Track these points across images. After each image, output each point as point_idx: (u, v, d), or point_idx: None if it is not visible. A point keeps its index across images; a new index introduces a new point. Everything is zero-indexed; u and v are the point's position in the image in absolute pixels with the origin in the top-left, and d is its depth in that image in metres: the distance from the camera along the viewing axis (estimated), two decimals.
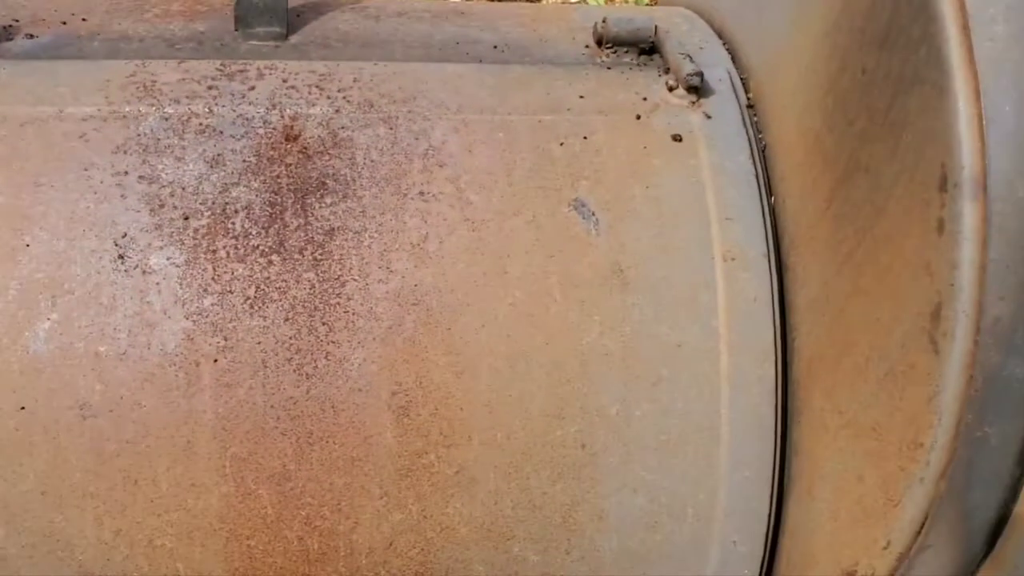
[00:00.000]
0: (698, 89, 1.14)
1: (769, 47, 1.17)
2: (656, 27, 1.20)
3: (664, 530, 1.08)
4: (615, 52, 1.21)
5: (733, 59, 1.24)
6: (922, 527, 0.87)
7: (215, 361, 0.98)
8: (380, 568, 1.04)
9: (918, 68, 0.84)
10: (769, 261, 1.08)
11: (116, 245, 0.99)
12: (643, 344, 1.05)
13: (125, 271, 0.98)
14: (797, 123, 1.07)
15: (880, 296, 0.91)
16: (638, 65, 1.20)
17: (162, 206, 1.00)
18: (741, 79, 1.22)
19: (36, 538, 0.98)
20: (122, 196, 1.00)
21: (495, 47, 1.22)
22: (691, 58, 1.16)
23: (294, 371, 1.00)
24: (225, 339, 0.99)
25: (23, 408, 0.96)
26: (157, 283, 0.98)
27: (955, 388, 0.81)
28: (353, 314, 1.01)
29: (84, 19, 1.18)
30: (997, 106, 0.79)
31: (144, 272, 0.98)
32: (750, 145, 1.13)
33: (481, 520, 1.04)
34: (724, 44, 1.27)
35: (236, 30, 1.17)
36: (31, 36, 1.14)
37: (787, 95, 1.10)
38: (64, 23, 1.17)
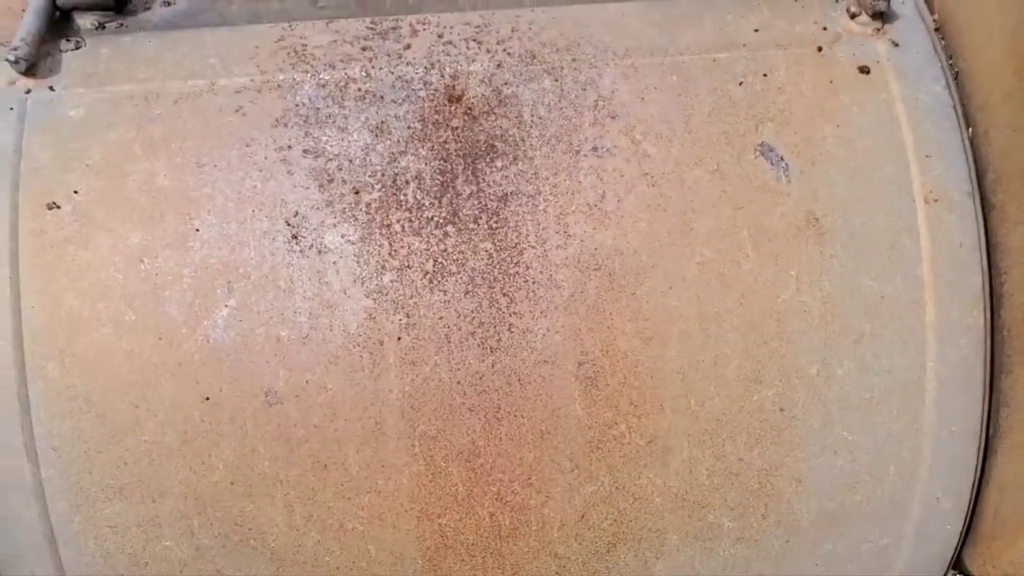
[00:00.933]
0: (883, 14, 1.05)
1: None
2: None
3: (865, 490, 1.02)
4: None
5: None
6: None
7: (399, 339, 0.94)
8: (572, 541, 1.00)
9: None
10: (974, 200, 1.00)
11: (288, 225, 0.94)
12: (843, 298, 0.98)
13: (300, 252, 0.94)
14: (1006, 46, 0.97)
15: None
16: None
17: (331, 181, 0.96)
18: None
19: (228, 527, 0.96)
20: (288, 172, 0.96)
21: None
22: None
23: (478, 345, 0.95)
24: (407, 316, 0.94)
25: (208, 399, 0.93)
26: (334, 262, 0.94)
27: None
28: (533, 283, 0.95)
29: None
30: None
31: (320, 252, 0.94)
32: (944, 74, 1.03)
33: (675, 489, 0.99)
34: None
35: None
36: (168, 3, 1.09)
37: (988, 15, 1.00)
38: None
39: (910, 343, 0.99)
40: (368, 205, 0.95)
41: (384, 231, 0.95)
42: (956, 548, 1.08)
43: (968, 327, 0.99)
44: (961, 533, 1.07)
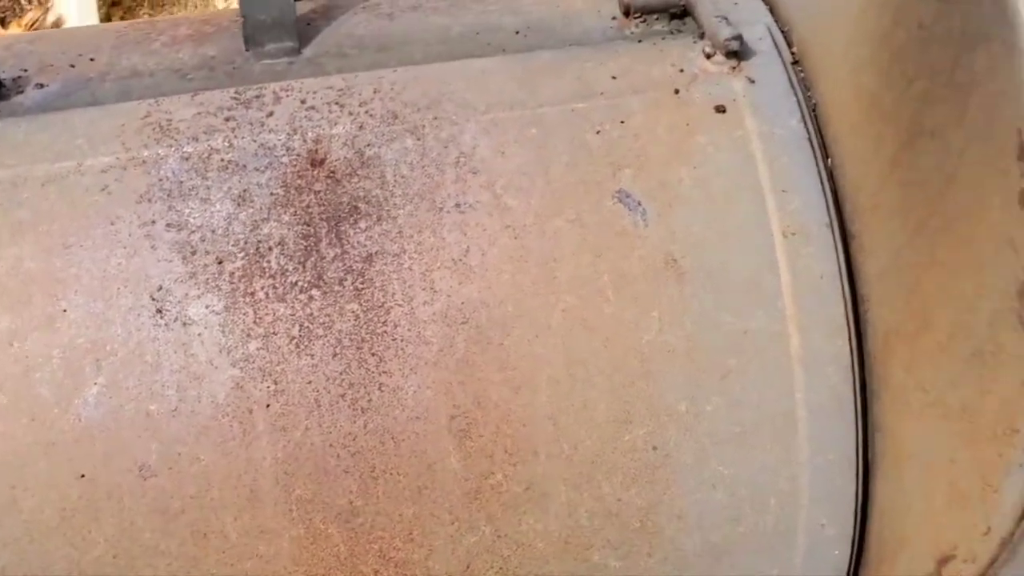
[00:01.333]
0: (738, 53, 1.07)
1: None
2: None
3: (748, 522, 1.03)
4: (644, 21, 1.13)
5: (772, 11, 1.16)
6: None
7: (268, 406, 0.96)
8: None
9: (983, 24, 0.76)
10: (833, 231, 1.02)
11: (153, 300, 0.96)
12: (707, 336, 0.99)
13: (165, 325, 0.96)
14: (851, 81, 0.99)
15: (960, 269, 0.84)
16: (671, 33, 1.12)
17: (194, 253, 0.97)
18: (783, 32, 1.13)
19: None
20: (152, 247, 0.98)
21: (517, 32, 1.15)
22: (727, 19, 1.08)
23: (349, 406, 0.97)
24: (275, 382, 0.96)
25: (83, 476, 0.95)
26: (199, 334, 0.96)
27: None
28: (402, 341, 0.97)
29: (92, 59, 1.14)
30: None
31: (184, 324, 0.96)
32: (800, 107, 1.06)
33: (557, 533, 1.01)
34: None
35: (247, 50, 1.12)
36: (41, 85, 1.11)
37: (836, 50, 1.02)
38: (72, 66, 1.13)
39: (777, 375, 1.00)
40: (231, 274, 0.97)
41: (248, 299, 0.97)
42: (848, 574, 1.09)
43: (834, 356, 1.01)
44: (851, 559, 1.08)
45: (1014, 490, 0.81)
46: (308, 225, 0.99)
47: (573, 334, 0.99)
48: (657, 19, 1.13)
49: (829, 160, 1.05)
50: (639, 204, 1.01)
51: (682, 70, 1.08)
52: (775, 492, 1.03)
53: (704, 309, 1.00)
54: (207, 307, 0.96)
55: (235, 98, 1.06)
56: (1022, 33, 0.72)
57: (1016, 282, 0.76)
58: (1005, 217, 0.76)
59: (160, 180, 1.00)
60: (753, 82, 1.07)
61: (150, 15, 3.53)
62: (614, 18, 1.16)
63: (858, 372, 1.02)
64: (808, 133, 1.04)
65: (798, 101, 1.06)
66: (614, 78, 1.07)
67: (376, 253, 0.98)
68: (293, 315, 0.97)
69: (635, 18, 1.14)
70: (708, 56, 1.07)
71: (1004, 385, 0.79)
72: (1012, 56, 0.73)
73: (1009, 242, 0.76)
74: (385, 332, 0.97)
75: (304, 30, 1.16)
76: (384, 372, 0.97)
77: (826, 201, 1.02)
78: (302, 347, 0.97)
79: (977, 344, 0.82)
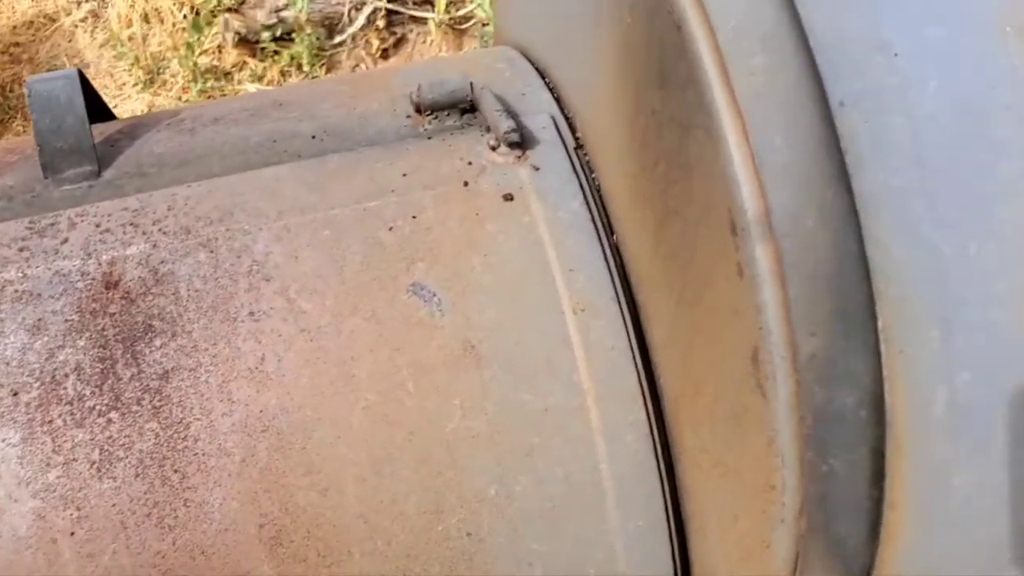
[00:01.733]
0: (520, 143, 1.12)
1: (582, 85, 1.14)
2: (472, 84, 1.18)
3: None
4: (436, 118, 1.18)
5: (559, 100, 1.22)
6: (796, 566, 0.85)
7: (72, 534, 0.96)
8: None
9: (689, 111, 0.82)
10: (620, 304, 1.06)
11: None
12: (509, 417, 1.02)
13: None
14: (617, 164, 1.05)
15: (712, 337, 0.89)
16: (460, 128, 1.17)
17: None
18: (569, 118, 1.19)
19: None
20: None
21: (314, 137, 1.19)
22: (508, 112, 1.13)
23: (156, 525, 0.97)
24: (78, 509, 0.96)
25: None
26: None
27: (789, 430, 0.79)
28: (203, 455, 0.98)
29: None
30: (768, 141, 0.76)
31: None
32: (582, 189, 1.11)
33: None
34: (548, 83, 1.24)
35: (46, 177, 1.14)
36: None
37: (605, 135, 1.08)
38: None
39: (580, 448, 1.04)
40: (27, 405, 0.97)
41: (46, 428, 0.97)
42: None
43: (632, 424, 1.05)
44: None
45: (782, 545, 0.85)
46: (104, 348, 1.00)
47: (376, 431, 1.01)
48: (448, 115, 1.18)
49: (615, 236, 1.10)
50: (434, 295, 1.05)
51: (470, 163, 1.12)
52: (592, 562, 1.05)
53: (504, 391, 1.03)
54: (3, 440, 0.96)
55: (29, 227, 1.07)
56: (719, 120, 0.78)
57: (748, 347, 0.80)
58: (730, 288, 0.81)
59: None
60: (538, 169, 1.12)
61: (24, 128, 3.52)
62: (408, 116, 1.21)
63: (658, 437, 1.05)
64: (591, 214, 1.09)
65: (580, 184, 1.11)
66: (405, 175, 1.11)
67: (172, 369, 1.00)
68: (92, 439, 0.97)
69: (427, 115, 1.18)
70: (493, 148, 1.12)
71: (756, 445, 0.83)
72: (713, 142, 0.78)
73: (736, 311, 0.80)
74: (186, 447, 0.98)
75: (106, 152, 1.18)
76: (188, 487, 0.98)
77: (611, 276, 1.07)
78: (103, 471, 0.97)
79: (732, 407, 0.86)
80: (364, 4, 3.69)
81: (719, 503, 0.97)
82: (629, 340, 1.06)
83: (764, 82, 0.77)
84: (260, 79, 3.60)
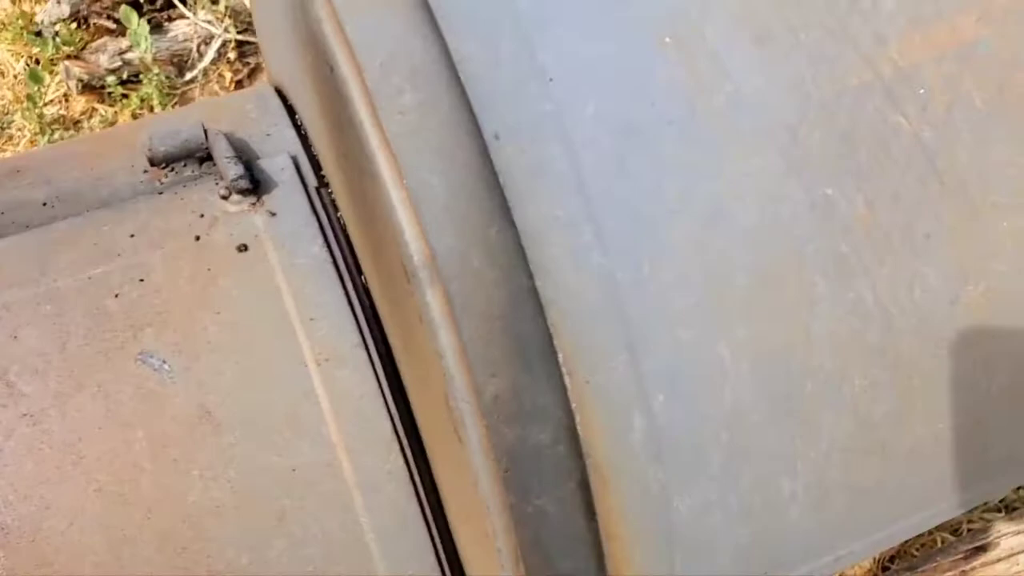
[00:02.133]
0: (253, 189, 1.07)
1: (313, 124, 1.10)
2: (206, 131, 1.12)
3: None
4: (173, 170, 1.13)
5: (305, 138, 1.17)
6: None
7: None
8: None
9: (360, 155, 0.78)
10: (367, 350, 1.02)
11: None
12: (254, 482, 0.98)
13: None
14: (343, 205, 1.01)
15: (424, 384, 0.86)
16: (194, 179, 1.12)
17: None
18: (315, 156, 1.15)
19: None
20: None
21: (44, 204, 1.13)
22: (239, 157, 1.08)
23: None
24: None
25: None
26: None
27: (487, 474, 0.76)
28: None
29: None
30: (424, 182, 0.73)
31: None
32: (322, 232, 1.06)
33: None
34: (297, 121, 1.20)
35: None
36: None
37: (332, 175, 1.04)
38: None
39: (335, 505, 0.99)
40: None
41: None
42: None
43: (390, 472, 1.01)
44: None
45: None
46: None
47: (111, 513, 0.95)
48: (185, 166, 1.12)
49: (363, 277, 1.06)
50: (164, 362, 0.99)
51: (202, 215, 1.07)
52: None
53: (247, 455, 0.98)
54: None
55: None
56: (374, 162, 0.74)
57: (441, 394, 0.77)
58: (421, 335, 0.78)
59: None
60: (274, 215, 1.07)
61: None
62: (146, 171, 1.15)
63: (421, 481, 1.02)
64: (333, 257, 1.05)
65: (321, 226, 1.06)
66: (132, 236, 1.06)
67: None
68: None
69: (164, 169, 1.13)
70: (224, 197, 1.07)
71: (472, 492, 0.80)
72: (376, 185, 0.75)
73: (427, 359, 0.77)
74: None
75: None
76: None
77: (356, 321, 1.02)
78: None
79: (452, 452, 0.83)
80: (212, 38, 3.60)
81: (476, 547, 0.93)
82: (380, 385, 1.01)
83: (415, 121, 0.74)
84: (112, 124, 3.50)
